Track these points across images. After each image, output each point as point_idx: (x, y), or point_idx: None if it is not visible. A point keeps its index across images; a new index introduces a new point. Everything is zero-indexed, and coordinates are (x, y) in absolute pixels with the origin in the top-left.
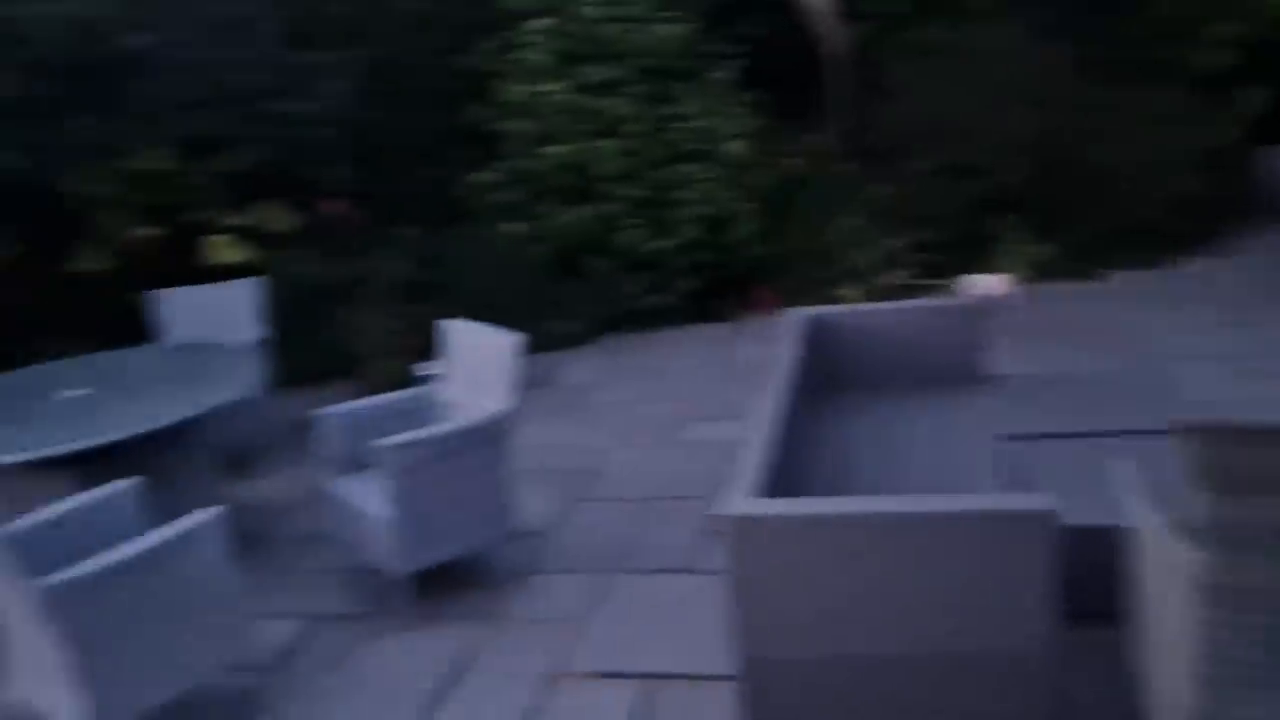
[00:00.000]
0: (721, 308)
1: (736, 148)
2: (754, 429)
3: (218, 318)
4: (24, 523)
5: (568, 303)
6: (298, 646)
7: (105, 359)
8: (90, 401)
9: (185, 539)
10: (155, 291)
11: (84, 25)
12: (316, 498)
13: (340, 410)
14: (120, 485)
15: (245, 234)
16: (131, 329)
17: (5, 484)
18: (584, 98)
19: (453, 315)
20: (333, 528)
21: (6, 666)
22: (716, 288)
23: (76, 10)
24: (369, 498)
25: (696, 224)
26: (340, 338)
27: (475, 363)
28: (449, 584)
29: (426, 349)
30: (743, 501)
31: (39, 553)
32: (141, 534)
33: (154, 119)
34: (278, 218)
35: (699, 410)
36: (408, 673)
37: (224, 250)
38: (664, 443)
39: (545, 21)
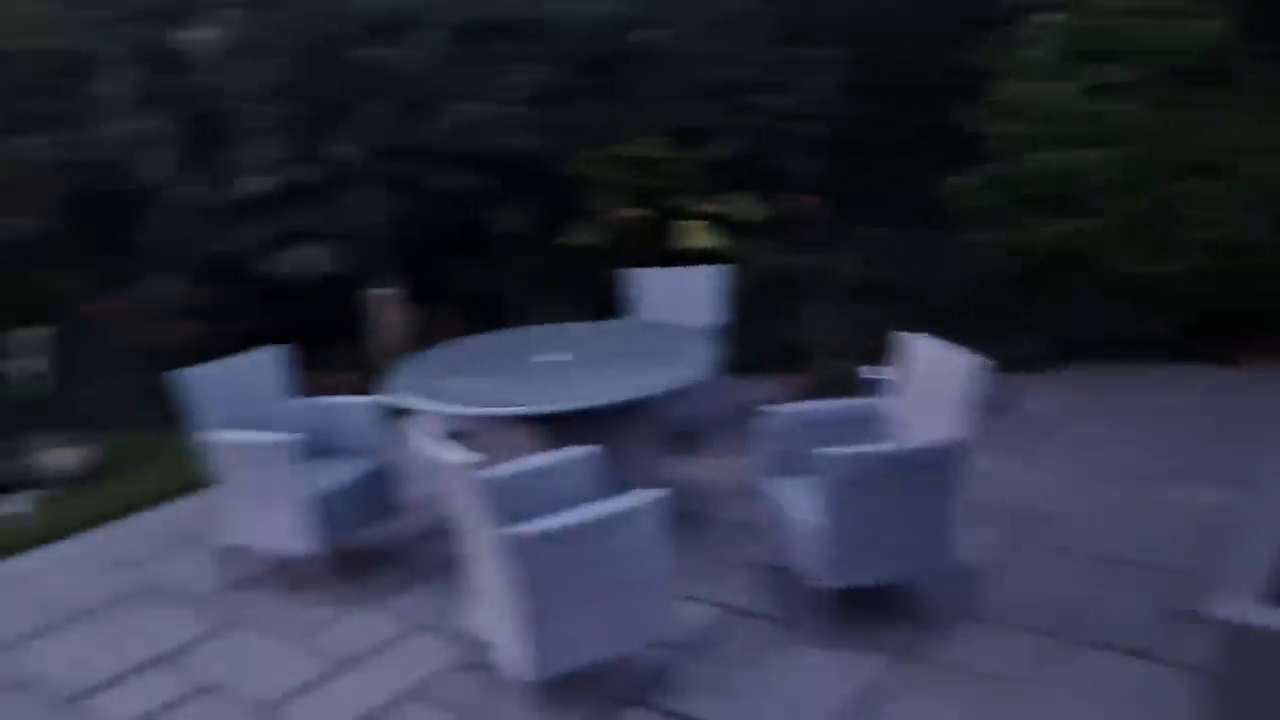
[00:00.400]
0: (1218, 348)
1: (1268, 165)
2: (1267, 509)
3: (684, 300)
4: (496, 472)
5: (1032, 322)
6: (714, 636)
7: (580, 329)
8: (562, 368)
9: (633, 513)
10: (631, 270)
11: (607, 21)
12: (751, 489)
13: (786, 411)
14: (580, 451)
15: (717, 221)
16: (613, 302)
17: (487, 433)
18: (1087, 100)
19: (909, 321)
20: (763, 524)
21: (471, 597)
22: (1215, 324)
23: (604, 8)
24: (802, 503)
25: (1205, 249)
26: (792, 331)
27: (931, 381)
28: (874, 609)
29: (878, 353)
30: (1247, 606)
31: (505, 502)
32: (594, 500)
33: (652, 109)
34: (749, 208)
35: (1178, 465)
36: (819, 691)
37: (696, 235)
38: (1131, 496)
39: (1056, 16)
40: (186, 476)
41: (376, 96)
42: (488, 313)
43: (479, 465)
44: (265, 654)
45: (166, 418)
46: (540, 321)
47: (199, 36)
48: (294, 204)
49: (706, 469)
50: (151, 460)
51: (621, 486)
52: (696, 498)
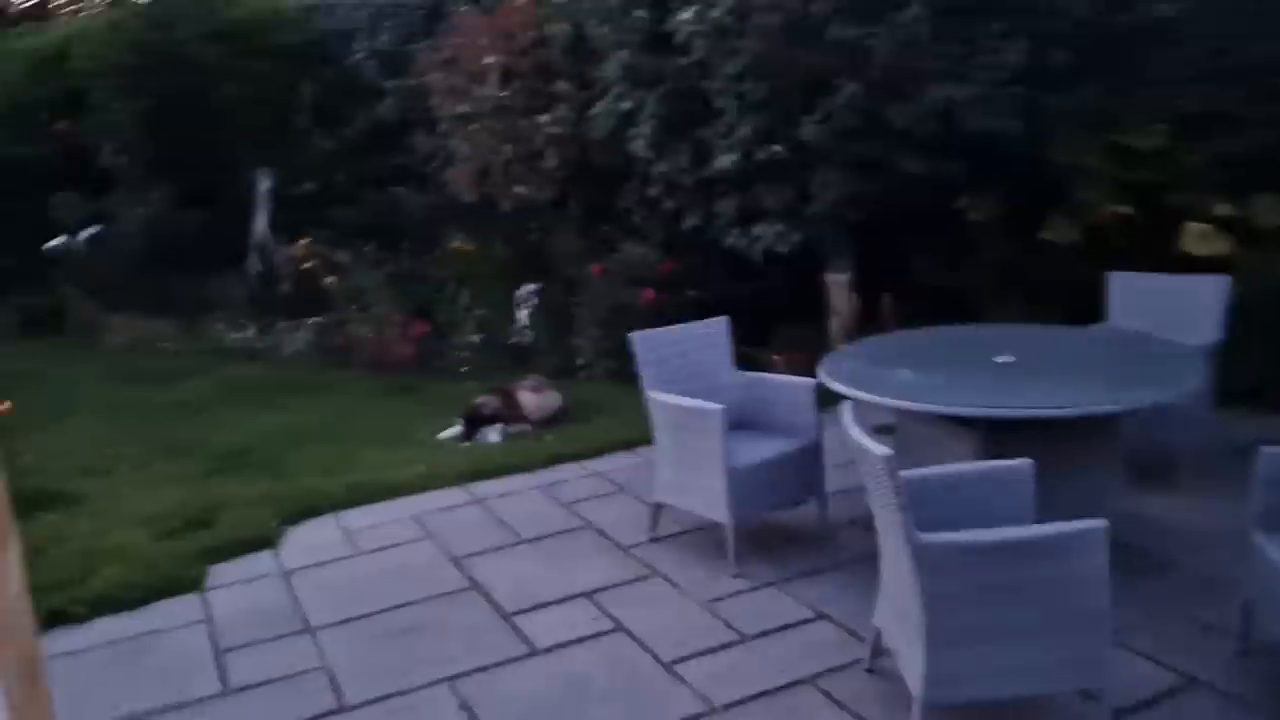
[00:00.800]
0: None
1: None
2: None
3: (1173, 311)
4: (925, 474)
5: None
6: (1149, 697)
7: (1046, 332)
8: (1016, 372)
9: (1071, 539)
10: (1115, 273)
11: None
12: (1229, 539)
13: None
14: (1018, 464)
15: (1226, 225)
16: (1087, 306)
17: (920, 431)
18: None
19: None
20: (1237, 582)
21: (882, 598)
22: None
23: None
24: None
25: None
26: None
27: None
28: None
29: None
30: None
31: (926, 506)
32: (1027, 519)
33: (1153, 92)
34: (1271, 212)
35: None
36: None
37: (1199, 240)
38: None
39: None
40: (633, 430)
41: (848, 76)
42: (943, 305)
43: (904, 463)
44: (673, 611)
45: (626, 373)
46: (1001, 320)
47: (690, 18)
48: (760, 182)
49: (1172, 507)
50: (608, 411)
51: (1063, 510)
52: (1155, 538)
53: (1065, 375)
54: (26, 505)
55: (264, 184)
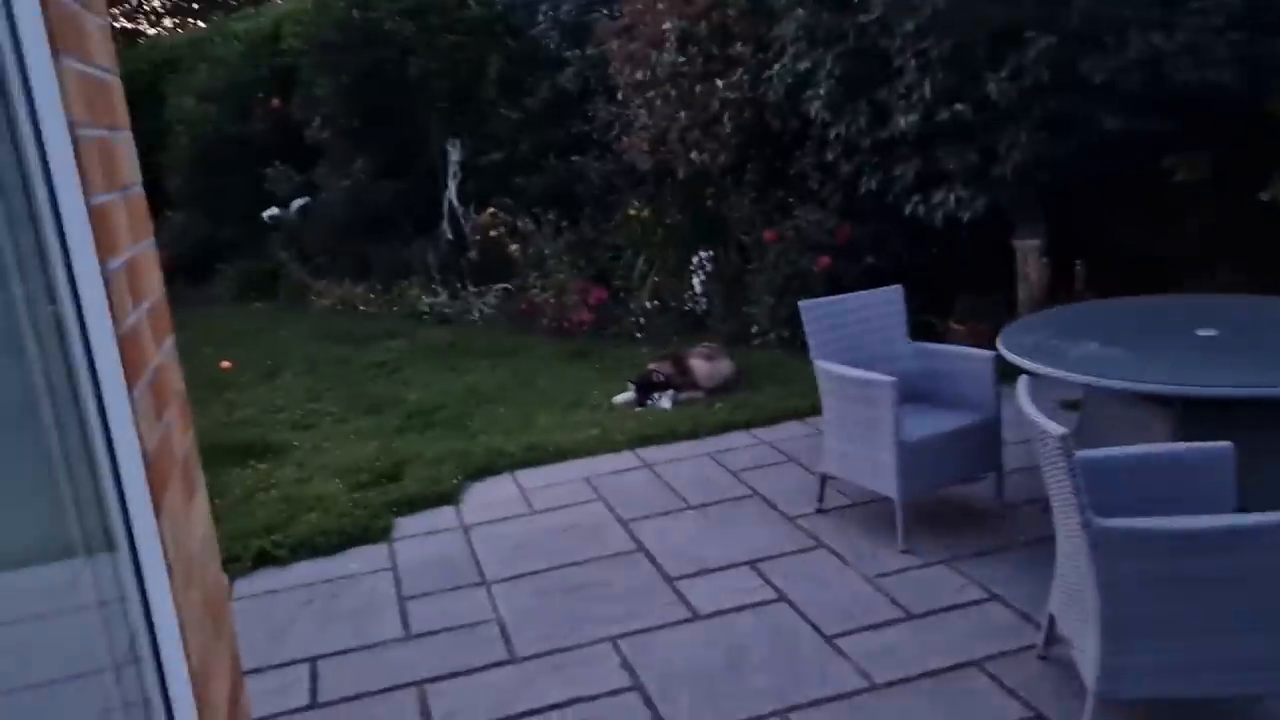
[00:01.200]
0: None
1: None
2: None
3: None
4: (1112, 455)
5: None
6: None
7: (1262, 304)
8: (1220, 346)
9: (1274, 531)
10: None
11: None
12: None
13: None
14: (1217, 446)
15: None
16: None
17: (1110, 409)
18: None
19: None
20: None
21: (1057, 582)
22: None
23: None
24: None
25: None
26: None
27: None
28: None
29: None
30: None
31: (1107, 489)
32: (1226, 506)
33: None
34: None
35: None
36: None
37: None
38: None
39: None
40: (804, 400)
41: (1042, 26)
42: (1142, 274)
43: (1089, 442)
44: (837, 584)
45: (799, 342)
46: (1207, 290)
47: None
48: (941, 144)
49: None
50: (780, 380)
51: (1269, 499)
52: None
53: (1276, 350)
54: (243, 454)
55: (454, 154)
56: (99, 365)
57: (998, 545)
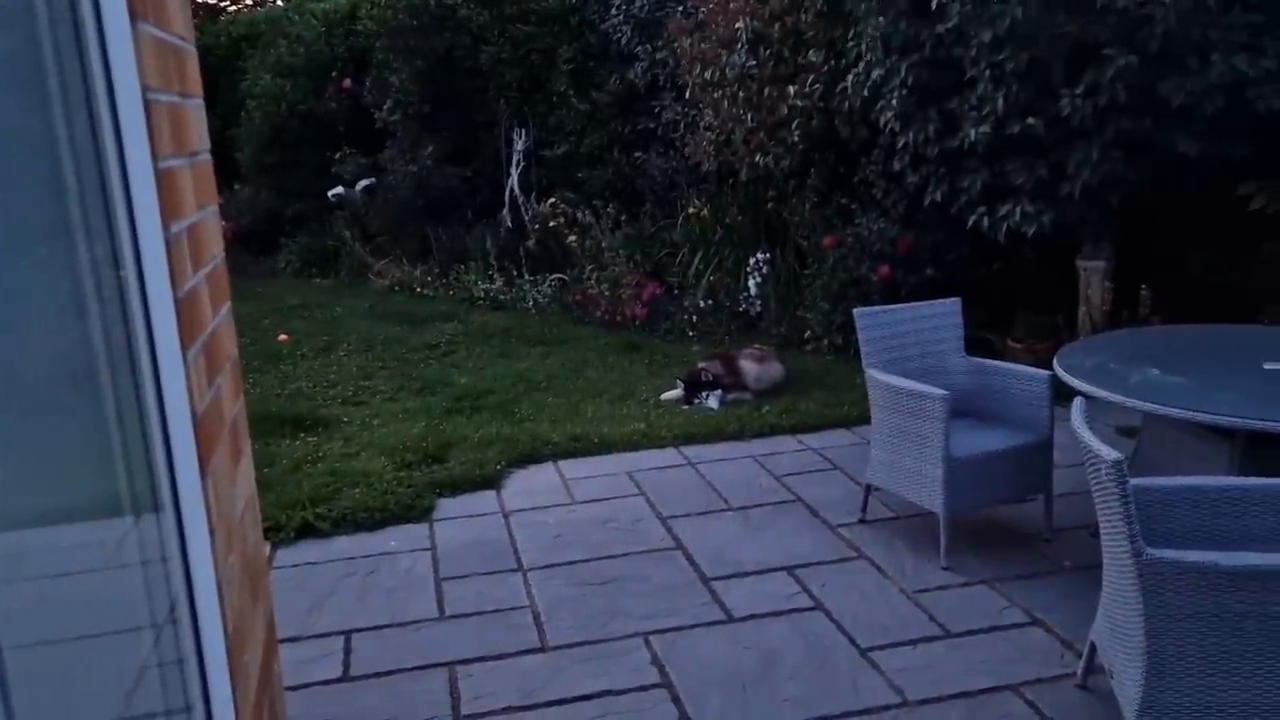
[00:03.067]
0: None
1: None
2: None
3: None
4: (1167, 485)
5: None
6: None
7: None
8: None
9: None
10: None
11: None
12: None
13: None
14: (1276, 483)
15: None
16: None
17: (1169, 438)
18: None
19: None
20: None
21: (1102, 610)
22: None
23: None
24: None
25: None
26: None
27: None
28: None
29: None
30: None
31: (1160, 519)
32: None
33: None
34: None
35: None
36: None
37: None
38: None
39: None
40: (853, 409)
41: (1122, 45)
42: (1213, 302)
43: (1145, 470)
44: (875, 598)
45: (852, 350)
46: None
47: None
48: (1012, 157)
49: None
50: (830, 387)
51: None
52: None
53: None
54: (294, 426)
55: (519, 143)
56: (155, 325)
57: (1043, 569)
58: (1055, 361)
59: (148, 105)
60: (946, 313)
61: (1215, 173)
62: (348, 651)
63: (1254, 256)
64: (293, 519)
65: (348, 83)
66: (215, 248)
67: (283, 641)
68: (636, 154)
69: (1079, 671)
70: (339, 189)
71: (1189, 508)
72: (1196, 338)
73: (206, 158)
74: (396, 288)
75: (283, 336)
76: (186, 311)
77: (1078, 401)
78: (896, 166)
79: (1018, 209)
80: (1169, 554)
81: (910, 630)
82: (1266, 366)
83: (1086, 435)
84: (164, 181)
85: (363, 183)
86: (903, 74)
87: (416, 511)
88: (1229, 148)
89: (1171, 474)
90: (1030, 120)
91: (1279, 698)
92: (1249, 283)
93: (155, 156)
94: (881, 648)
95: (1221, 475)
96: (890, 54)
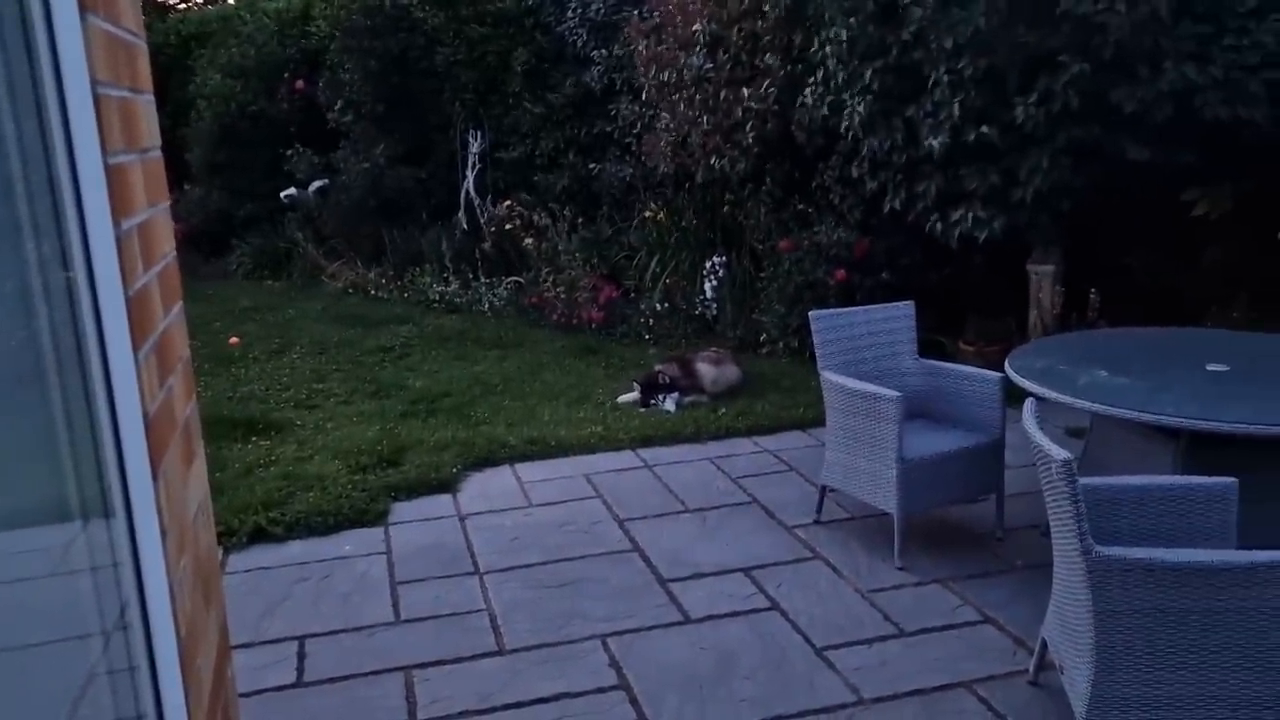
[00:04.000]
0: None
1: None
2: None
3: None
4: (1113, 484)
5: None
6: None
7: (1266, 341)
8: (1229, 381)
9: (1277, 572)
10: None
11: None
12: None
13: None
14: (1221, 482)
15: None
16: None
17: (1115, 438)
18: None
19: None
20: None
21: (1053, 607)
22: None
23: None
24: None
25: None
26: None
27: None
28: None
29: None
30: None
31: (1107, 518)
32: (1227, 542)
33: None
34: None
35: None
36: None
37: None
38: None
39: None
40: (808, 410)
41: (1076, 53)
42: (1157, 305)
43: (1093, 470)
44: (831, 598)
45: (807, 352)
46: (1221, 324)
47: None
48: (966, 164)
49: None
50: (785, 389)
51: (1271, 538)
52: None
53: None
54: (247, 430)
55: (474, 145)
56: (106, 324)
57: (995, 568)
58: (1007, 363)
59: (97, 100)
60: (900, 316)
61: (1160, 179)
62: (302, 657)
63: (1197, 261)
64: (245, 523)
65: (300, 83)
66: (167, 246)
67: (236, 647)
68: (592, 164)
69: (1031, 668)
70: (291, 190)
71: (1134, 506)
72: (1143, 340)
73: (158, 154)
74: (350, 290)
75: (234, 339)
76: (138, 310)
77: (1029, 402)
78: (855, 173)
79: (970, 215)
80: (1117, 551)
81: (865, 629)
82: (1209, 368)
83: (1038, 435)
84: (114, 177)
85: (316, 184)
86: (867, 79)
87: (371, 515)
88: (1175, 155)
89: (1118, 474)
90: (984, 129)
91: (1222, 690)
92: (1192, 287)
93: (105, 152)
94: (837, 647)
95: (1166, 475)
96: (855, 59)
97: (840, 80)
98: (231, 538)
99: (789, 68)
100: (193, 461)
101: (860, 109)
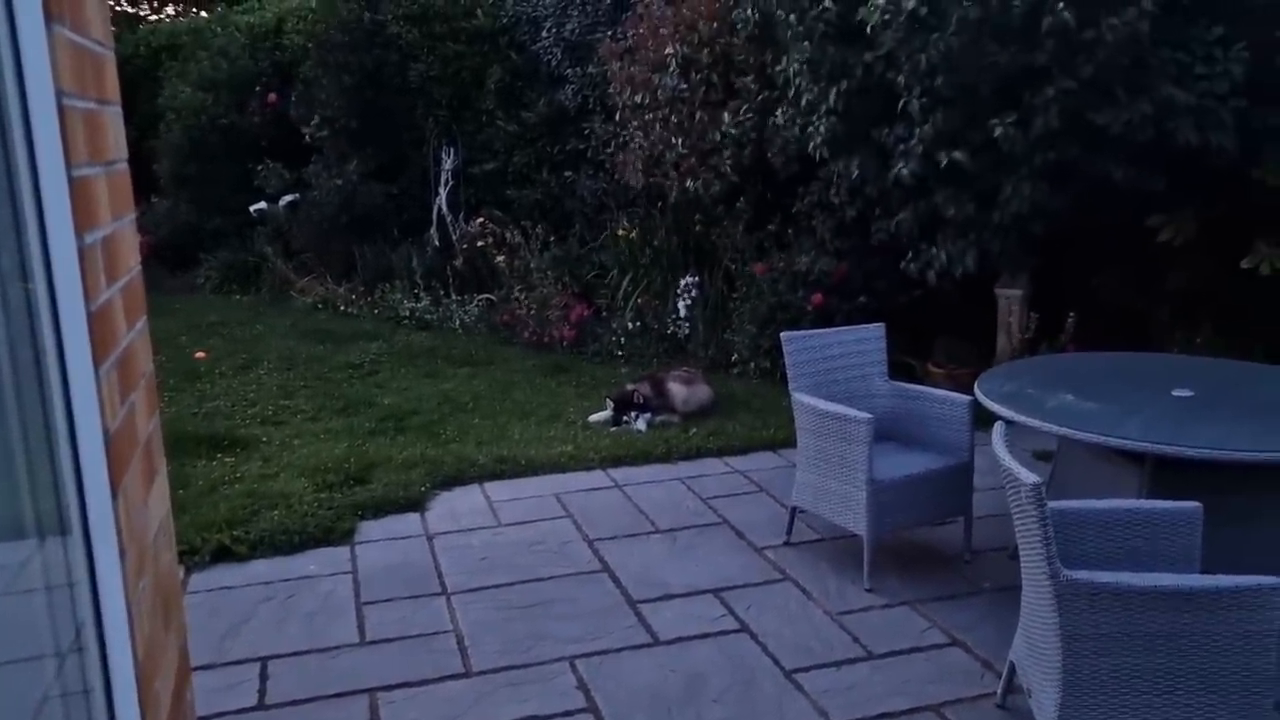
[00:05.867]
0: None
1: None
2: None
3: None
4: (1080, 507)
5: None
6: None
7: (1230, 367)
8: (1194, 406)
9: (1241, 597)
10: None
11: None
12: None
13: None
14: (1185, 506)
15: None
16: None
17: (1081, 462)
18: None
19: None
20: None
21: (1021, 630)
22: None
23: None
24: None
25: None
26: None
27: None
28: None
29: None
30: None
31: (1075, 541)
32: (1190, 566)
33: None
34: None
35: None
36: None
37: None
38: None
39: None
40: (779, 431)
41: (1059, 73)
42: (1123, 330)
43: (1059, 493)
44: (800, 619)
45: (779, 374)
46: (1186, 350)
47: (882, 4)
48: (941, 189)
49: None
50: (757, 410)
51: (1235, 561)
52: None
53: (1250, 415)
54: (211, 446)
55: (447, 162)
56: (67, 338)
57: (963, 590)
58: (976, 386)
59: (62, 111)
60: (871, 338)
61: (1128, 204)
62: (264, 679)
63: (1162, 286)
64: (208, 542)
65: (272, 97)
66: (131, 260)
67: (196, 669)
68: (566, 174)
69: (998, 691)
70: (261, 204)
71: (1102, 530)
72: (1110, 365)
73: (124, 167)
74: (319, 305)
75: (200, 354)
76: (100, 325)
77: (998, 425)
78: (835, 200)
79: (942, 253)
80: (1084, 575)
81: (834, 652)
82: (1175, 393)
83: (1007, 459)
84: (78, 190)
85: (286, 198)
86: (831, 101)
87: (337, 534)
88: (1151, 179)
89: (1085, 497)
90: (957, 154)
91: (1188, 714)
92: (1158, 311)
93: (70, 163)
94: (806, 669)
95: (1132, 498)
96: (819, 80)
97: (804, 103)
98: (194, 556)
99: (764, 93)
100: (154, 479)
101: (823, 130)
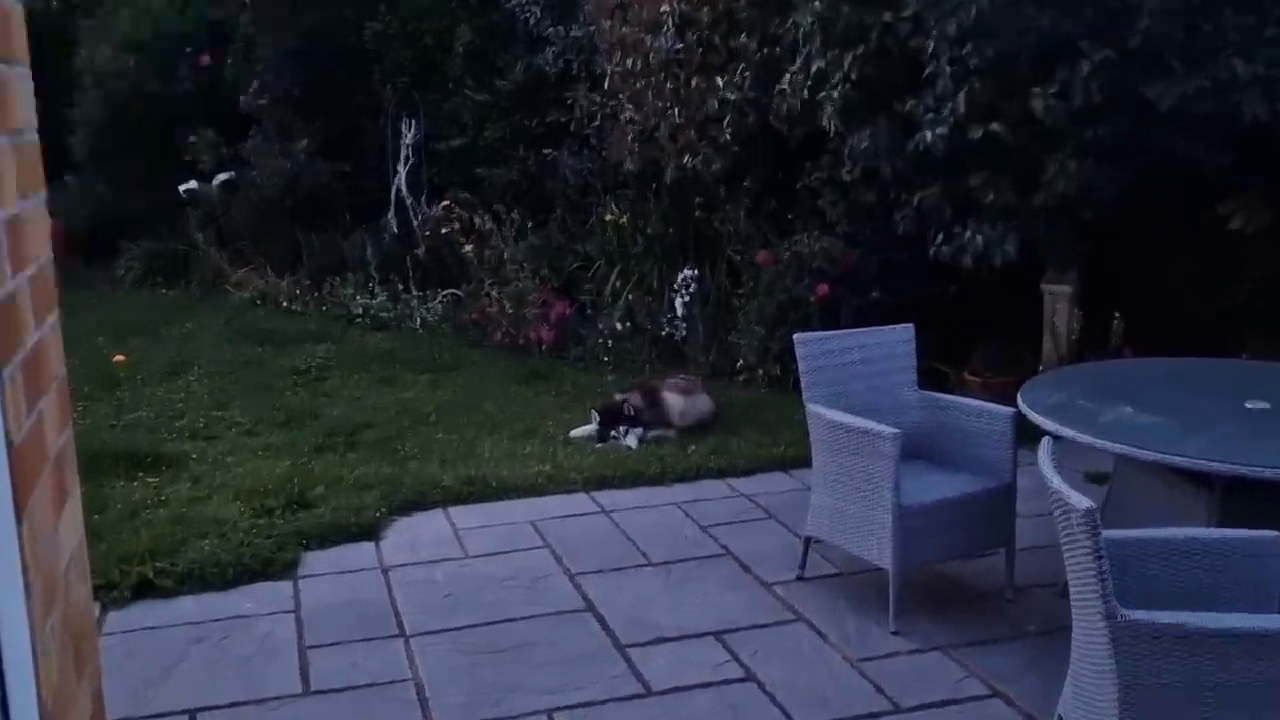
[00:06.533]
0: None
1: None
2: None
3: None
4: (1140, 536)
5: None
6: None
7: None
8: (1273, 421)
9: None
10: None
11: None
12: None
13: None
14: (1263, 535)
15: None
16: None
17: (1142, 484)
18: None
19: None
20: None
21: (1071, 677)
22: None
23: None
24: None
25: None
26: None
27: None
28: None
29: None
30: None
31: (1141, 576)
32: (1268, 605)
33: None
34: None
35: None
36: None
37: None
38: None
39: None
40: (791, 449)
41: (1101, 40)
42: (1189, 332)
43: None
44: (815, 666)
45: (791, 382)
46: (1264, 355)
47: None
48: (976, 168)
49: None
50: (765, 424)
51: None
52: None
53: None
54: (132, 464)
55: (408, 136)
56: None
57: (1004, 633)
58: (1020, 397)
59: None
60: (899, 340)
61: (1189, 187)
62: None
63: (1233, 282)
64: (129, 575)
65: (205, 59)
66: (41, 247)
67: None
68: (546, 150)
69: None
70: (192, 183)
71: (1165, 562)
72: (1172, 372)
73: (34, 138)
74: (259, 301)
75: (119, 357)
76: (4, 322)
77: (1045, 442)
78: (848, 177)
79: (978, 236)
80: (1145, 615)
81: (854, 704)
82: (1249, 405)
83: (1056, 481)
84: None
85: (221, 177)
86: (845, 68)
87: (278, 567)
88: (1212, 156)
89: (1145, 524)
90: (995, 126)
91: None
92: (1228, 312)
93: None
94: None
95: (1199, 526)
96: (831, 45)
97: (815, 69)
98: (112, 591)
99: (764, 50)
100: (66, 502)
101: (835, 97)
